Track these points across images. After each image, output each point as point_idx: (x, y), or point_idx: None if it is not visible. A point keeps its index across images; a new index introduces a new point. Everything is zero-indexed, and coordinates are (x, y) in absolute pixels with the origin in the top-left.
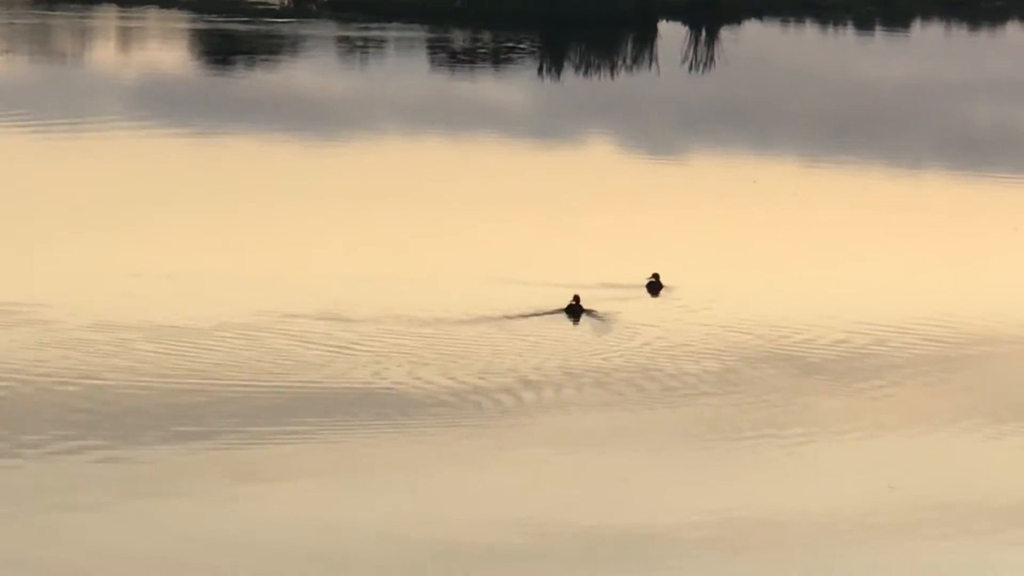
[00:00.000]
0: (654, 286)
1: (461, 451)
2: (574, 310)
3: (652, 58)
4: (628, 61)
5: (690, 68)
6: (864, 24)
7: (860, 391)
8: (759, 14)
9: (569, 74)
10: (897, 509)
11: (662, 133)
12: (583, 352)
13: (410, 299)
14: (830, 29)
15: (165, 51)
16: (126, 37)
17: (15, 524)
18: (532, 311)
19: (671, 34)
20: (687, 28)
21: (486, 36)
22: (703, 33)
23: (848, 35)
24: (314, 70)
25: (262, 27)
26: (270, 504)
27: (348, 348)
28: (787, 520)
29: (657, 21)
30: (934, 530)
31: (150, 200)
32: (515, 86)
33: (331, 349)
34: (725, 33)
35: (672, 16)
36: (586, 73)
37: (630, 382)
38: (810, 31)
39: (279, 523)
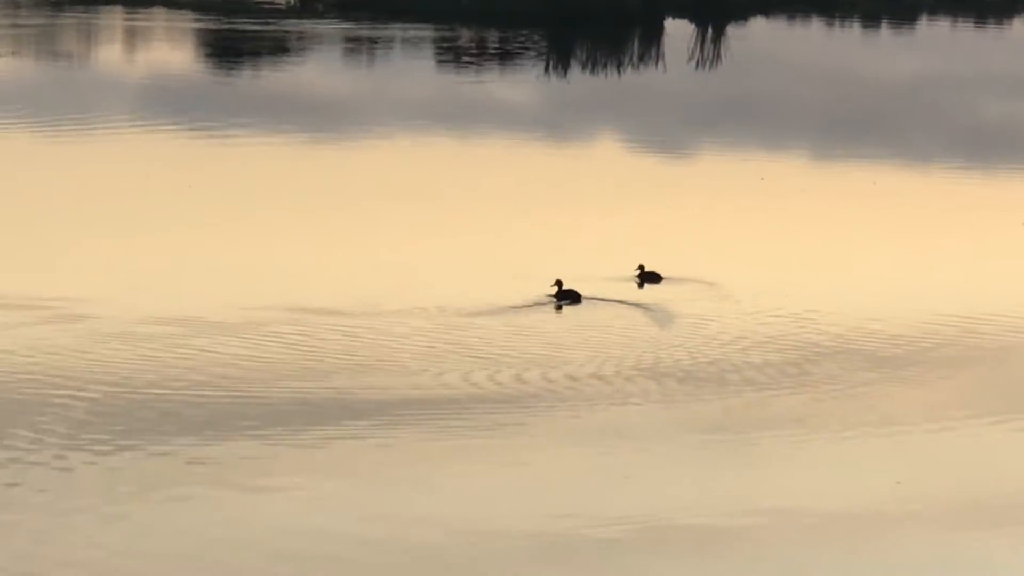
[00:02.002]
0: (645, 277)
1: (473, 449)
2: (564, 295)
3: (659, 55)
4: (635, 58)
5: (696, 65)
6: (870, 20)
7: (871, 386)
8: (765, 11)
9: (576, 72)
10: (905, 504)
11: (669, 130)
12: (582, 345)
13: (418, 296)
14: (836, 25)
15: (171, 51)
16: (132, 37)
17: (32, 525)
18: (529, 302)
19: (677, 31)
20: (693, 25)
21: (492, 34)
22: (709, 30)
23: (854, 31)
24: (321, 69)
25: (268, 27)
26: (274, 506)
27: (355, 347)
28: (790, 515)
29: (663, 18)
30: (942, 525)
31: (159, 199)
32: (522, 84)
33: (338, 349)
34: (731, 30)
35: (678, 13)
36: (593, 71)
37: (641, 377)
38: (816, 27)
39: (283, 527)
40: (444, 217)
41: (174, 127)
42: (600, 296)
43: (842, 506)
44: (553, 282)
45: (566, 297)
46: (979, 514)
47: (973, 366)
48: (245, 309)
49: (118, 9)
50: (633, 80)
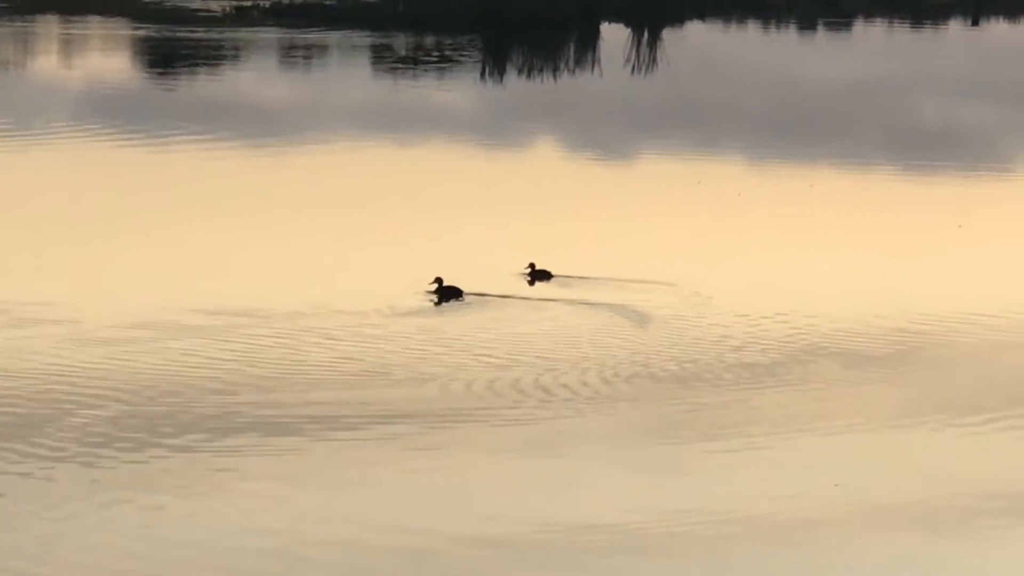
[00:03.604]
0: (536, 275)
1: (416, 455)
2: (446, 293)
3: (595, 60)
4: (571, 63)
5: (633, 69)
6: (807, 23)
7: (806, 388)
8: (702, 15)
9: (512, 77)
10: (844, 506)
11: (605, 134)
12: (469, 345)
13: (343, 301)
14: (773, 28)
15: (108, 60)
16: (68, 46)
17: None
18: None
19: (614, 36)
20: (629, 29)
21: (428, 39)
22: (646, 34)
23: (791, 34)
24: (257, 76)
25: (204, 34)
26: (248, 510)
27: (268, 355)
28: (738, 519)
29: (599, 23)
30: (883, 527)
31: (93, 207)
32: (458, 89)
33: (275, 357)
34: (668, 34)
35: (614, 18)
36: (529, 75)
37: (561, 383)
38: (753, 31)
39: (249, 530)
40: (374, 222)
41: (111, 135)
42: (484, 292)
43: (782, 509)
44: (433, 279)
45: (447, 294)
46: (920, 515)
47: (911, 368)
48: (165, 313)
49: (52, 18)
50: (569, 84)
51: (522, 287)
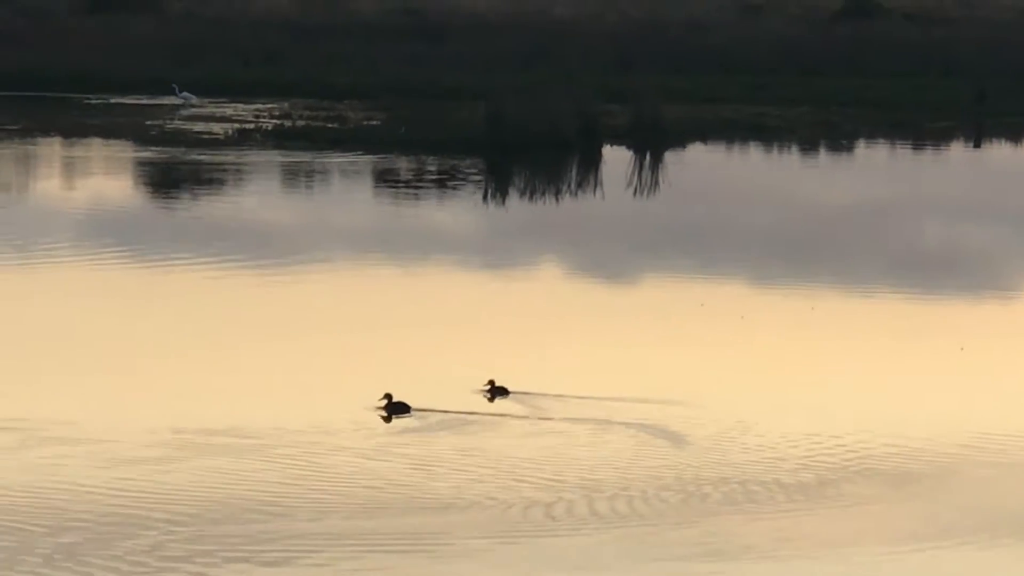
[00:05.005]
0: (494, 391)
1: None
2: (395, 408)
3: (597, 182)
4: (573, 185)
5: (635, 192)
6: (808, 145)
7: (811, 512)
8: (703, 137)
9: (514, 199)
10: None
11: (608, 256)
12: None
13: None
14: (775, 151)
15: (110, 182)
16: (70, 168)
17: None
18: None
19: (615, 158)
20: (631, 152)
21: (430, 162)
22: (647, 156)
23: (793, 157)
24: (258, 198)
25: (206, 156)
26: None
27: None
28: None
29: (601, 145)
30: None
31: (99, 330)
32: (460, 212)
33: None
34: (669, 156)
35: (616, 140)
36: (531, 198)
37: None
38: (755, 153)
39: None
40: (375, 343)
41: (114, 258)
42: (431, 408)
43: None
44: (382, 395)
45: (395, 409)
46: None
47: (916, 489)
48: (177, 433)
49: (56, 140)
50: (572, 207)
51: (476, 401)
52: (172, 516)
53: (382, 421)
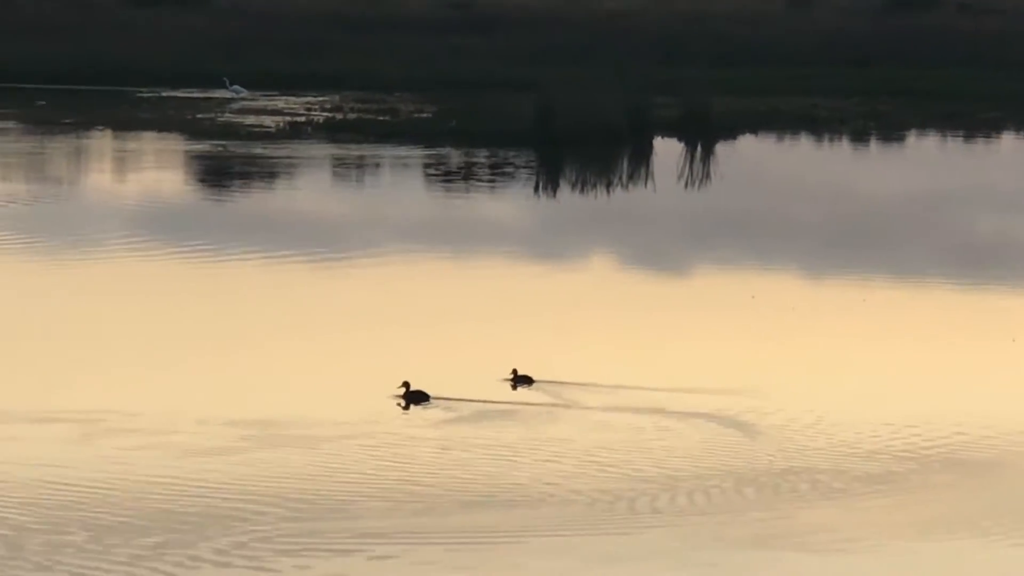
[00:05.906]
0: (518, 381)
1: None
2: (413, 396)
3: (648, 174)
4: (624, 177)
5: (686, 183)
6: (859, 137)
7: (860, 503)
8: (754, 129)
9: (565, 192)
10: None
11: (659, 248)
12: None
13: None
14: (825, 142)
15: (163, 175)
16: (123, 161)
17: None
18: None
19: (666, 150)
20: (682, 143)
21: (481, 155)
22: (698, 148)
23: (844, 148)
24: (309, 191)
25: (258, 150)
26: None
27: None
28: None
29: (652, 137)
30: None
31: (151, 323)
32: (512, 204)
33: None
34: (720, 148)
35: (667, 132)
36: (582, 190)
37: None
38: (805, 144)
39: None
40: (436, 337)
41: (164, 250)
42: (452, 396)
43: None
44: (400, 383)
45: (414, 398)
46: None
47: (967, 481)
48: (212, 428)
49: (107, 133)
50: (622, 199)
51: (499, 390)
52: (244, 511)
53: (437, 413)
